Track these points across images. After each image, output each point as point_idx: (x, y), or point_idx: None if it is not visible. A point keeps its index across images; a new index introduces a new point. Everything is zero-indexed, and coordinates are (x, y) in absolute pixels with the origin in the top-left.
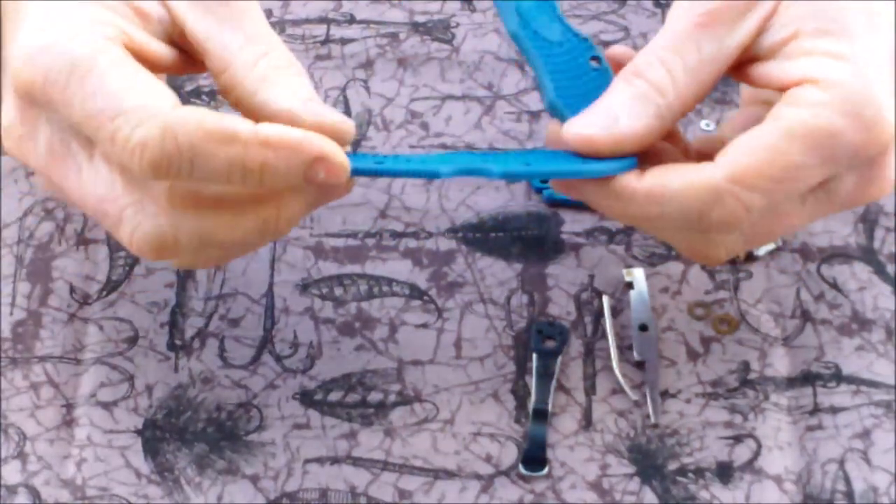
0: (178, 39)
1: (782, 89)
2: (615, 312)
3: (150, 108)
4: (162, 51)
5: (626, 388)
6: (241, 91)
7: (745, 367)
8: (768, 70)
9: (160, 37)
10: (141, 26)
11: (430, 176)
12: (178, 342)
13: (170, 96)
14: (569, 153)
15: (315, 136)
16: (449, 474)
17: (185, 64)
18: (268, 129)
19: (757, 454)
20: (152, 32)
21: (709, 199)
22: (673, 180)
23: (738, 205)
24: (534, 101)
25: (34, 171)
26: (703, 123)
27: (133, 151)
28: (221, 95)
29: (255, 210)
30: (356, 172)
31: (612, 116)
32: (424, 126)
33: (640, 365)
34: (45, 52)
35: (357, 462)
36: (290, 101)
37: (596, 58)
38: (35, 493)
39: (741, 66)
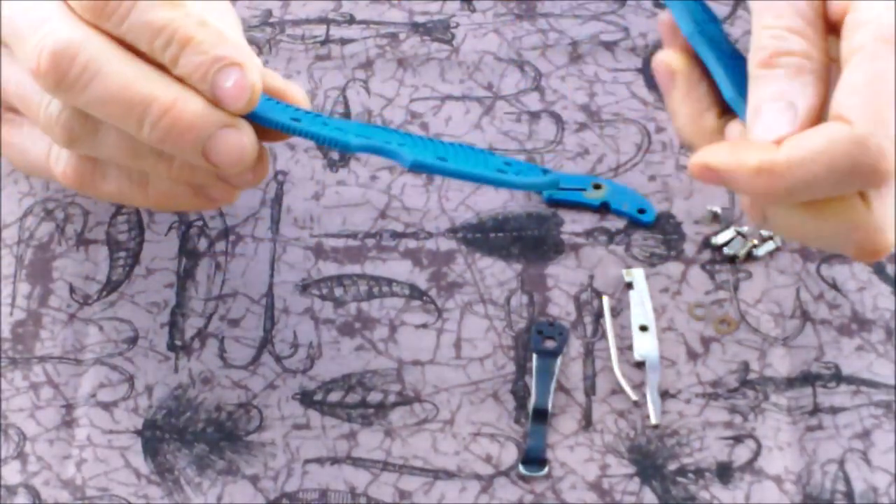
0: None
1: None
2: (615, 312)
3: None
4: None
5: (626, 389)
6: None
7: (745, 367)
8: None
9: None
10: None
11: (340, 147)
12: (178, 342)
13: None
14: (491, 158)
15: (243, 45)
16: (449, 474)
17: None
18: (209, 17)
19: (757, 454)
20: None
21: (853, 145)
22: (811, 139)
23: (889, 146)
24: (533, 102)
25: None
26: None
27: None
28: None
29: (162, 86)
30: (259, 119)
31: (788, 107)
32: (424, 126)
33: (640, 365)
34: None
35: (357, 462)
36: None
37: None
38: (35, 494)
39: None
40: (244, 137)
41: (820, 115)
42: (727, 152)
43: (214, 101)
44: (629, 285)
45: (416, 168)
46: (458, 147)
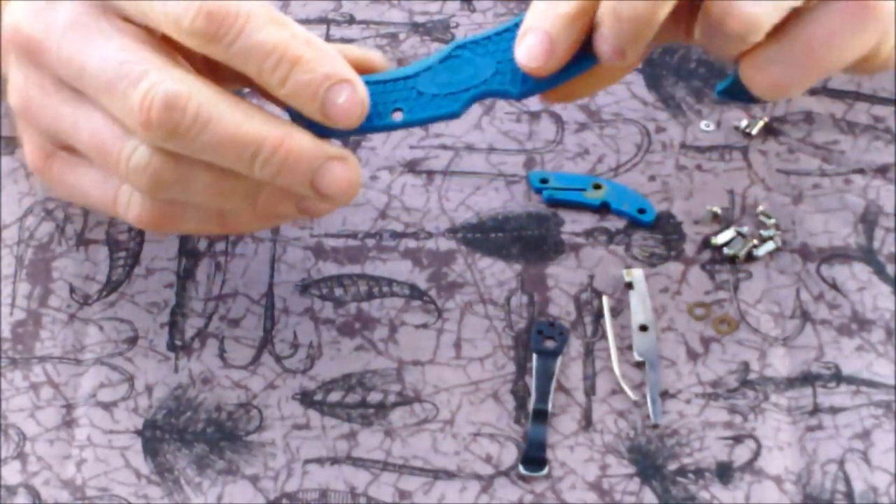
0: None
1: None
2: (615, 312)
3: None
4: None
5: (626, 389)
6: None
7: (745, 367)
8: None
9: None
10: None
11: (449, 118)
12: (178, 342)
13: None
14: None
15: (346, 63)
16: (449, 475)
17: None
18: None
19: (757, 454)
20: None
21: None
22: None
23: None
24: (533, 102)
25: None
26: (702, 124)
27: (188, 8)
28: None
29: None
30: (366, 129)
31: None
32: (424, 126)
33: (640, 365)
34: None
35: (357, 462)
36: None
37: None
38: (35, 494)
39: None
40: (351, 168)
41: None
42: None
43: (325, 119)
44: (629, 285)
45: (525, 96)
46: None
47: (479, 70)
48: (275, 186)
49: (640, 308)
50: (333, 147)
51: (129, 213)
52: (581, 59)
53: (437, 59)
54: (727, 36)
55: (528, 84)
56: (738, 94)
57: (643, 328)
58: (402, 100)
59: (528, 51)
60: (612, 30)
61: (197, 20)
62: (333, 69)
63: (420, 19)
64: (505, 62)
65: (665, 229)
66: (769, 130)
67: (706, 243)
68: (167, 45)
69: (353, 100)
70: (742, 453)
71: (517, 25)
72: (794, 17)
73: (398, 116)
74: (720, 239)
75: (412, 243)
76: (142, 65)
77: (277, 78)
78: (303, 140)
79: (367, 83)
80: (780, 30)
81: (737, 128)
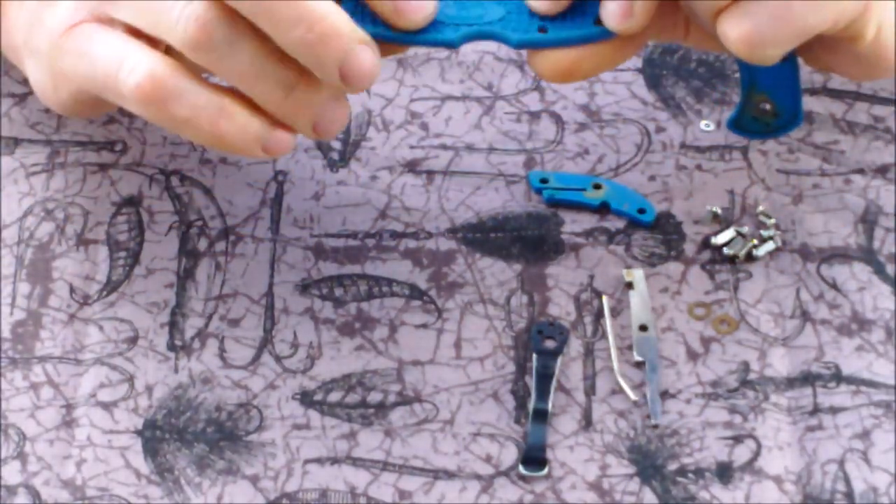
0: None
1: None
2: (615, 312)
3: None
4: None
5: (626, 389)
6: None
7: (745, 367)
8: None
9: None
10: None
11: (444, 46)
12: (178, 342)
13: None
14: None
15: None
16: (449, 474)
17: None
18: None
19: (757, 454)
20: None
21: None
22: None
23: None
24: (533, 102)
25: None
26: (702, 124)
27: None
28: None
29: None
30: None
31: None
32: (424, 126)
33: (640, 365)
34: None
35: (357, 462)
36: None
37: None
38: (35, 494)
39: None
40: (376, 56)
41: None
42: None
43: (342, 79)
44: (629, 285)
45: (522, 47)
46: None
47: (488, 12)
48: (307, 86)
49: (640, 308)
50: (365, 34)
51: (131, 77)
52: (588, 28)
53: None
54: None
55: (529, 37)
56: (747, 126)
57: (643, 328)
58: None
59: (613, 13)
60: None
61: None
62: (357, 34)
63: None
64: (513, 12)
65: (665, 229)
66: None
67: (706, 243)
68: None
69: (372, 59)
70: (742, 453)
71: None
72: None
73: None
74: (720, 239)
75: (412, 243)
76: None
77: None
78: (343, 19)
79: None
80: None
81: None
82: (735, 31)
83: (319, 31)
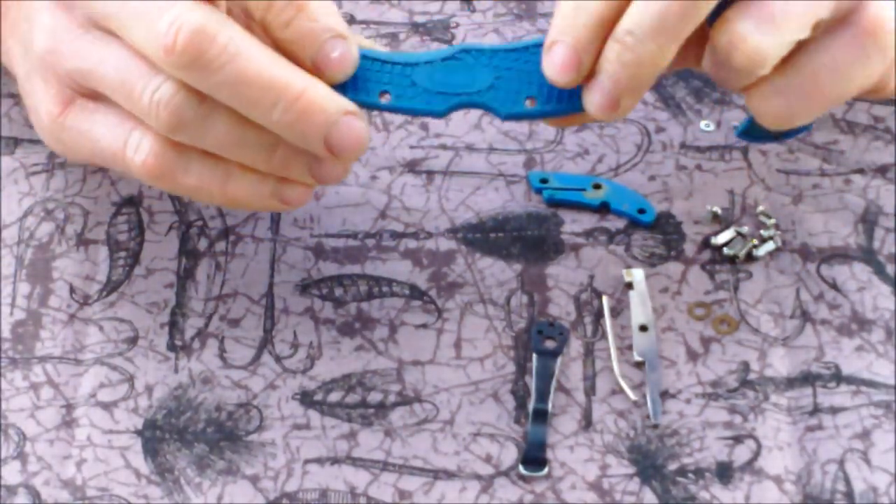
0: None
1: None
2: (615, 312)
3: None
4: None
5: (626, 389)
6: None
7: (745, 367)
8: None
9: None
10: None
11: (430, 115)
12: (178, 342)
13: None
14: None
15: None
16: (449, 474)
17: None
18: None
19: (757, 454)
20: None
21: None
22: None
23: None
24: None
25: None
26: (702, 124)
27: None
28: (255, 17)
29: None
30: (359, 102)
31: None
32: (424, 126)
33: (640, 365)
34: None
35: (357, 462)
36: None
37: None
38: (35, 494)
39: None
40: (363, 124)
41: None
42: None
43: (315, 69)
44: (629, 285)
45: (510, 119)
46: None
47: (476, 79)
48: (288, 145)
49: (640, 308)
50: (349, 102)
51: (136, 156)
52: (576, 102)
53: (439, 55)
54: (734, 69)
55: (517, 110)
56: (756, 134)
57: (643, 328)
58: (393, 84)
59: (557, 64)
60: (611, 77)
61: None
62: (334, 23)
63: (420, 19)
64: (503, 80)
65: (665, 229)
66: None
67: (706, 243)
68: None
69: (345, 55)
70: (742, 453)
71: (526, 48)
72: (800, 48)
73: (385, 99)
74: (720, 239)
75: (412, 243)
76: None
77: (282, 20)
78: (324, 92)
79: (366, 56)
80: (786, 61)
81: (737, 128)
82: (767, 109)
83: (299, 108)
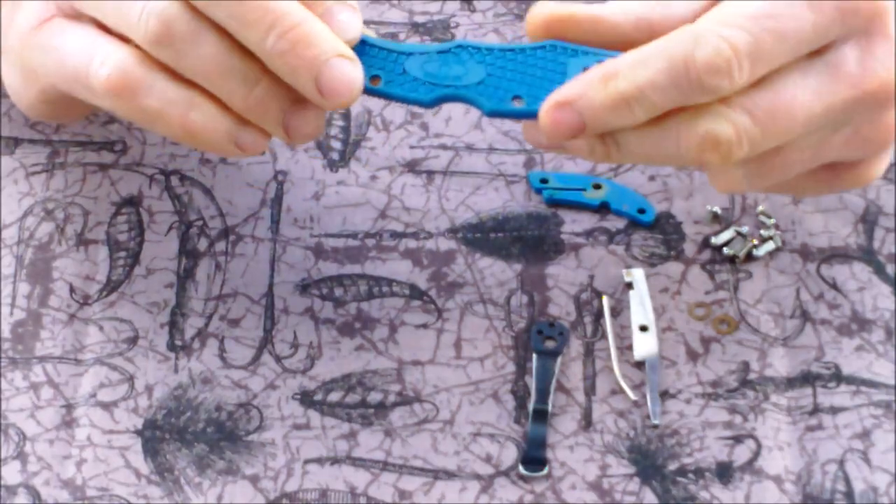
0: None
1: None
2: (615, 312)
3: None
4: None
5: (626, 389)
6: None
7: (745, 367)
8: None
9: None
10: None
11: (417, 104)
12: (178, 342)
13: None
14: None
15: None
16: (449, 474)
17: None
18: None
19: (757, 454)
20: None
21: (691, 40)
22: (655, 42)
23: (722, 42)
24: None
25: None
26: None
27: None
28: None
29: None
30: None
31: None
32: (424, 126)
33: (640, 365)
34: None
35: (357, 462)
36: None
37: None
38: (35, 494)
39: None
40: (358, 71)
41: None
42: (572, 81)
43: (318, 94)
44: (629, 285)
45: (494, 115)
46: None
47: (467, 73)
48: (271, 82)
49: (640, 308)
50: (346, 47)
51: (101, 69)
52: None
53: (435, 48)
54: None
55: (502, 107)
56: None
57: (643, 328)
58: (385, 70)
59: (556, 126)
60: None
61: None
62: (336, 45)
63: (420, 19)
64: (494, 77)
65: (665, 229)
66: None
67: (706, 243)
68: None
69: (352, 72)
70: (742, 453)
71: (523, 50)
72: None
73: (375, 83)
74: (720, 239)
75: (412, 243)
76: None
77: (276, 51)
78: (322, 29)
79: (363, 42)
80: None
81: None
82: (723, 182)
83: (292, 38)
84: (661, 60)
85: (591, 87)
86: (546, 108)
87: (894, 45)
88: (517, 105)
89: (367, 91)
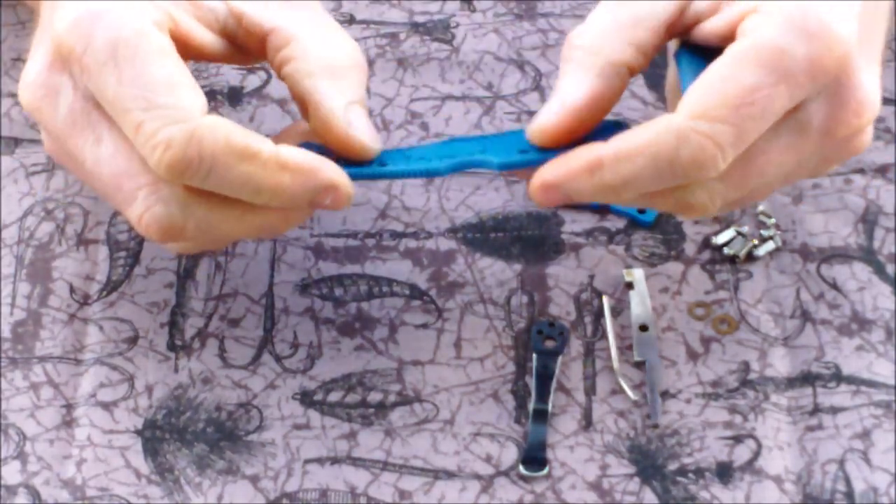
0: (231, 30)
1: (729, 37)
2: (615, 312)
3: (182, 110)
4: (207, 39)
5: (626, 389)
6: (295, 67)
7: (745, 367)
8: (711, 25)
9: (210, 25)
10: (191, 13)
11: (431, 175)
12: (178, 342)
13: (201, 100)
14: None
15: (329, 166)
16: (449, 474)
17: (231, 55)
18: (287, 153)
19: (757, 454)
20: (202, 20)
21: (674, 140)
22: (637, 135)
23: (706, 140)
24: (533, 102)
25: (47, 132)
26: None
27: (155, 147)
28: (274, 70)
29: (263, 212)
30: (356, 177)
31: (560, 97)
32: (424, 126)
33: (640, 365)
34: (91, 22)
35: (357, 462)
36: (333, 102)
37: None
38: (35, 493)
39: (687, 31)
40: (348, 191)
41: (598, 107)
42: (558, 163)
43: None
44: (629, 285)
45: (504, 168)
46: (513, 136)
47: (468, 150)
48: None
49: (640, 308)
50: (330, 178)
51: (138, 225)
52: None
53: (431, 145)
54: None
55: (511, 159)
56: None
57: (643, 328)
58: (390, 161)
59: (547, 200)
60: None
61: (160, 167)
62: (312, 184)
63: (420, 19)
64: (492, 149)
65: (665, 229)
66: None
67: (706, 243)
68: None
69: (337, 200)
70: (742, 453)
71: (514, 133)
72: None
73: (383, 167)
74: (720, 239)
75: (412, 243)
76: (136, 179)
77: (261, 202)
78: (301, 180)
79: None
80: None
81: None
82: (699, 196)
83: (285, 198)
84: (644, 158)
85: (577, 176)
86: (535, 185)
87: (860, 87)
88: (523, 154)
89: (379, 176)
